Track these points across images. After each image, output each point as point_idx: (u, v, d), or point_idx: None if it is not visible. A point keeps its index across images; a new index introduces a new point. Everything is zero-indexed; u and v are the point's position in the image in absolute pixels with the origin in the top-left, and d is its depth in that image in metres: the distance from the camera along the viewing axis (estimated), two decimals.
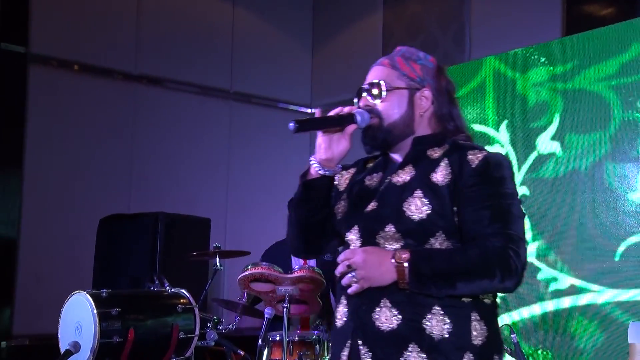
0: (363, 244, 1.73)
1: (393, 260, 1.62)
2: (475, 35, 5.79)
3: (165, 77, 6.32)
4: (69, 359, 2.76)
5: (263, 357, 3.69)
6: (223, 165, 6.62)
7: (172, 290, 3.29)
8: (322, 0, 7.32)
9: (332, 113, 1.76)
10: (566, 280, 4.20)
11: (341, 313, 1.76)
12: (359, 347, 1.67)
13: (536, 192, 4.42)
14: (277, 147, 6.96)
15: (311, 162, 1.78)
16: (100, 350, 2.78)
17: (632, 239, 3.93)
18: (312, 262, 4.52)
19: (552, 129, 4.37)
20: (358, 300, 1.68)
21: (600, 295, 4.00)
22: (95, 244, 5.04)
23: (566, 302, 4.18)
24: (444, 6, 6.11)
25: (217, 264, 3.90)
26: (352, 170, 1.94)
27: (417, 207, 1.67)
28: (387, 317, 1.65)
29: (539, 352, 4.27)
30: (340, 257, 1.67)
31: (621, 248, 3.97)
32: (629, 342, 3.43)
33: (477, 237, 1.64)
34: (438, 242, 1.67)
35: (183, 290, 3.31)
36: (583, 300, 4.09)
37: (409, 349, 1.62)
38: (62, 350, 2.81)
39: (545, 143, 4.38)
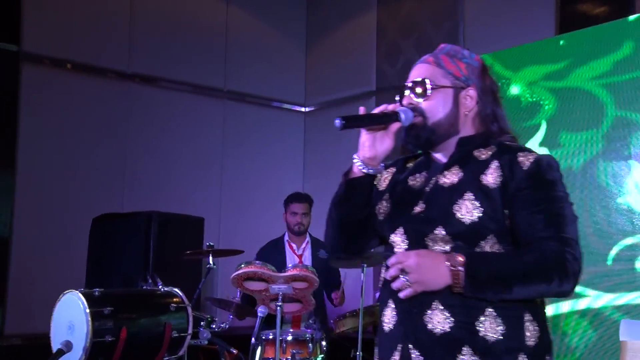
0: (409, 246, 1.70)
1: (448, 264, 1.58)
2: (469, 33, 5.80)
3: (159, 76, 6.31)
4: (61, 359, 2.74)
5: (256, 356, 3.69)
6: (217, 164, 6.61)
7: (165, 289, 3.27)
8: None
9: (376, 110, 1.71)
10: None
11: (389, 317, 1.72)
12: (410, 351, 1.65)
13: None
14: (271, 146, 6.96)
15: (354, 160, 1.75)
16: (92, 349, 2.75)
17: (626, 241, 3.94)
18: (306, 261, 4.53)
19: (540, 135, 4.38)
20: (408, 303, 1.65)
21: (597, 300, 3.99)
22: (88, 243, 5.03)
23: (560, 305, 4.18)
24: (437, 5, 6.12)
25: (211, 262, 3.90)
26: (391, 170, 1.90)
27: (468, 210, 1.64)
28: (439, 320, 1.62)
29: None
30: (392, 260, 1.63)
31: (613, 251, 3.97)
32: (620, 339, 3.43)
33: (531, 242, 1.62)
34: (488, 245, 1.64)
35: (176, 289, 3.29)
36: (579, 304, 4.08)
37: (463, 351, 1.60)
38: (54, 350, 2.80)
39: (535, 148, 4.39)
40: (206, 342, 3.48)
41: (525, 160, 1.67)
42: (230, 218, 6.49)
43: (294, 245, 4.61)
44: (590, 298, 4.03)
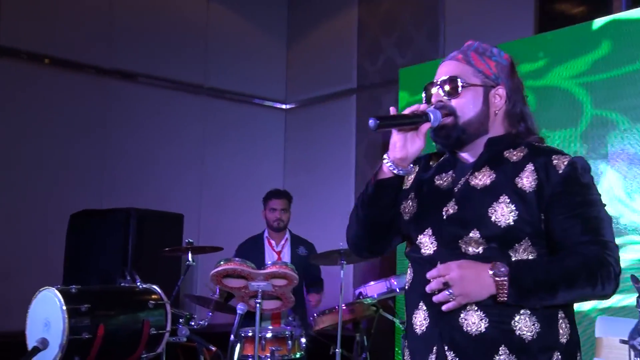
0: (440, 248, 1.69)
1: (491, 273, 1.56)
2: (449, 32, 5.82)
3: (139, 72, 6.26)
4: (37, 356, 2.71)
5: (235, 353, 3.68)
6: (197, 161, 6.58)
7: (144, 286, 3.25)
8: None
9: (407, 111, 1.67)
10: None
11: (421, 319, 1.70)
12: (446, 352, 1.64)
13: None
14: (252, 143, 6.94)
15: (384, 161, 1.70)
16: (69, 346, 2.73)
17: None
18: (285, 257, 4.52)
19: None
20: (441, 305, 1.62)
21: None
22: (65, 240, 4.98)
23: None
24: (419, 3, 6.14)
25: (190, 259, 3.87)
26: (415, 168, 1.86)
27: (504, 213, 1.63)
28: (474, 321, 1.61)
29: None
30: (433, 273, 1.60)
31: None
32: (596, 336, 3.47)
33: (570, 246, 1.62)
34: (522, 248, 1.64)
35: (154, 286, 3.27)
36: None
37: (500, 351, 1.60)
38: (30, 347, 2.77)
39: None
40: (185, 339, 3.45)
41: (560, 164, 1.66)
42: (210, 215, 6.47)
43: (273, 242, 4.60)
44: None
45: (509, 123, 1.77)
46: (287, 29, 7.33)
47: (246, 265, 3.63)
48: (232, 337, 3.66)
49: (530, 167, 1.68)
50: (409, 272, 1.80)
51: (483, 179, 1.71)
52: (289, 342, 3.83)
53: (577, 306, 1.77)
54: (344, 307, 3.93)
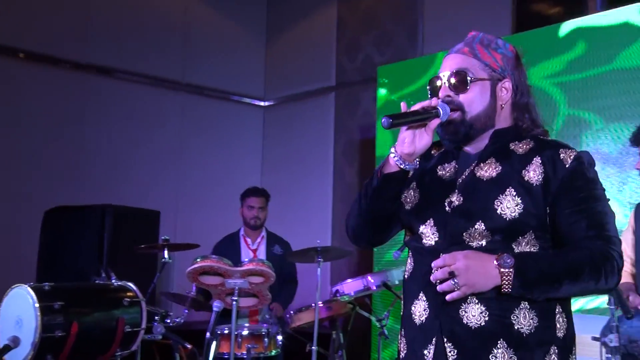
0: (443, 239, 1.68)
1: (496, 264, 1.56)
2: (428, 30, 5.85)
3: (116, 67, 6.20)
4: (8, 355, 2.68)
5: (211, 351, 3.66)
6: (174, 158, 6.54)
7: (119, 283, 3.23)
8: None
9: (416, 107, 1.65)
10: None
11: (420, 310, 1.69)
12: (445, 344, 1.63)
13: None
14: (230, 140, 6.91)
15: (392, 155, 1.69)
16: (41, 344, 2.70)
17: None
18: (260, 255, 4.51)
19: None
20: (443, 296, 1.61)
21: None
22: (39, 236, 4.92)
23: None
24: (397, 2, 6.16)
25: (166, 256, 3.84)
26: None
27: (509, 206, 1.63)
28: (474, 314, 1.62)
29: None
30: (438, 263, 1.59)
31: None
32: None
33: (576, 240, 1.63)
34: (526, 241, 1.64)
35: (130, 284, 3.25)
36: None
37: (498, 345, 1.60)
38: (1, 346, 2.73)
39: None
40: (160, 337, 3.44)
41: (567, 158, 1.67)
42: (187, 212, 6.43)
43: (249, 240, 4.59)
44: None
45: (515, 115, 1.76)
46: (266, 25, 7.31)
47: (223, 262, 3.62)
48: (208, 334, 3.65)
49: (537, 160, 1.68)
50: (409, 261, 1.80)
51: (489, 170, 1.70)
52: (266, 339, 3.82)
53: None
54: (321, 305, 3.94)
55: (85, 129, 5.93)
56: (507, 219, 1.62)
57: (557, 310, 1.66)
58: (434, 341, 1.66)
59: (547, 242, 1.67)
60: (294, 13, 7.12)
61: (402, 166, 1.69)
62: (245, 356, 3.77)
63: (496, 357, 1.60)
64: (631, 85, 3.96)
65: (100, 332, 2.96)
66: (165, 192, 6.34)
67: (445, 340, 1.64)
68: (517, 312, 1.62)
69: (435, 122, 1.66)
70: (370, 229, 1.82)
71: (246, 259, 3.83)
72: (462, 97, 1.70)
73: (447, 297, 1.60)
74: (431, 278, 1.62)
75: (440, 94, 1.72)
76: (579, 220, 1.64)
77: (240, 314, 3.95)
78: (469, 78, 1.69)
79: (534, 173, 1.66)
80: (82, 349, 2.85)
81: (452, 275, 1.57)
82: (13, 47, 5.57)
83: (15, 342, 2.69)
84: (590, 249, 1.61)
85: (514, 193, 1.64)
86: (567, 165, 1.66)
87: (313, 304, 3.92)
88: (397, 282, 3.94)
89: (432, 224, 1.71)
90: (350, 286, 3.98)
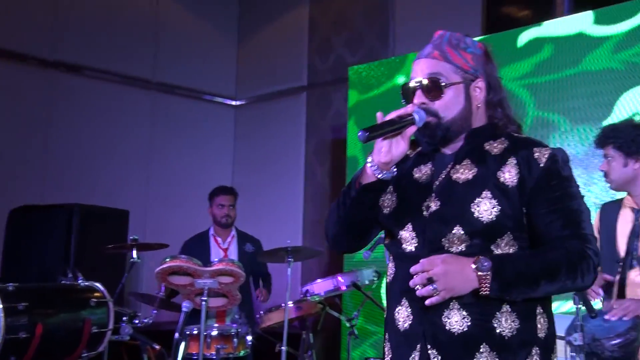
0: (422, 245, 1.68)
1: (474, 267, 1.57)
2: (399, 31, 5.89)
3: (84, 65, 6.12)
4: None
5: (179, 351, 3.63)
6: (144, 157, 6.48)
7: (86, 283, 3.19)
8: None
9: (392, 115, 1.63)
10: None
11: (404, 316, 1.70)
12: (429, 351, 1.64)
13: None
14: (201, 139, 6.87)
15: (369, 164, 1.68)
16: (5, 346, 2.66)
17: None
18: (232, 255, 4.50)
19: None
20: (424, 302, 1.61)
21: None
22: (4, 235, 4.84)
23: None
24: (369, 3, 6.18)
25: (135, 256, 3.81)
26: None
27: (486, 208, 1.63)
28: (457, 320, 1.62)
29: None
30: (417, 268, 1.59)
31: None
32: None
33: (552, 240, 1.64)
34: (504, 242, 1.65)
35: (97, 284, 3.21)
36: None
37: (481, 349, 1.61)
38: None
39: None
40: (128, 338, 3.41)
41: (541, 157, 1.67)
42: (157, 211, 6.38)
43: (219, 239, 4.57)
44: None
45: (488, 112, 1.76)
46: (238, 25, 7.29)
47: (192, 262, 3.59)
48: (176, 335, 3.62)
49: (512, 160, 1.67)
50: (390, 265, 1.80)
51: (465, 172, 1.69)
52: (235, 339, 3.81)
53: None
54: (291, 305, 3.93)
55: (54, 127, 5.84)
56: (485, 222, 1.63)
57: (537, 311, 1.67)
58: (418, 347, 1.66)
59: (525, 242, 1.68)
60: (266, 13, 7.10)
61: (379, 176, 1.68)
62: (214, 357, 3.75)
63: None
64: (597, 88, 4.03)
65: (66, 333, 2.93)
66: (135, 191, 6.27)
67: (429, 346, 1.64)
68: (498, 315, 1.62)
69: (411, 130, 1.65)
70: (349, 236, 1.82)
71: (216, 259, 3.81)
72: (437, 104, 1.69)
73: (427, 302, 1.59)
74: (410, 283, 1.61)
75: (415, 101, 1.70)
76: (555, 220, 1.65)
77: (209, 314, 3.92)
78: (442, 84, 1.68)
79: (509, 174, 1.66)
80: (47, 351, 2.81)
81: (430, 280, 1.57)
82: None
83: None
84: (567, 249, 1.62)
85: (490, 195, 1.64)
86: (541, 165, 1.66)
87: (283, 304, 3.92)
88: (367, 282, 3.95)
89: (410, 229, 1.71)
90: (320, 286, 3.98)
